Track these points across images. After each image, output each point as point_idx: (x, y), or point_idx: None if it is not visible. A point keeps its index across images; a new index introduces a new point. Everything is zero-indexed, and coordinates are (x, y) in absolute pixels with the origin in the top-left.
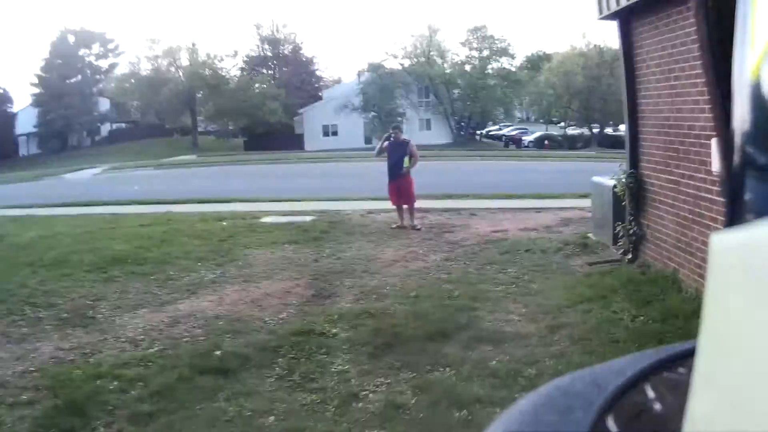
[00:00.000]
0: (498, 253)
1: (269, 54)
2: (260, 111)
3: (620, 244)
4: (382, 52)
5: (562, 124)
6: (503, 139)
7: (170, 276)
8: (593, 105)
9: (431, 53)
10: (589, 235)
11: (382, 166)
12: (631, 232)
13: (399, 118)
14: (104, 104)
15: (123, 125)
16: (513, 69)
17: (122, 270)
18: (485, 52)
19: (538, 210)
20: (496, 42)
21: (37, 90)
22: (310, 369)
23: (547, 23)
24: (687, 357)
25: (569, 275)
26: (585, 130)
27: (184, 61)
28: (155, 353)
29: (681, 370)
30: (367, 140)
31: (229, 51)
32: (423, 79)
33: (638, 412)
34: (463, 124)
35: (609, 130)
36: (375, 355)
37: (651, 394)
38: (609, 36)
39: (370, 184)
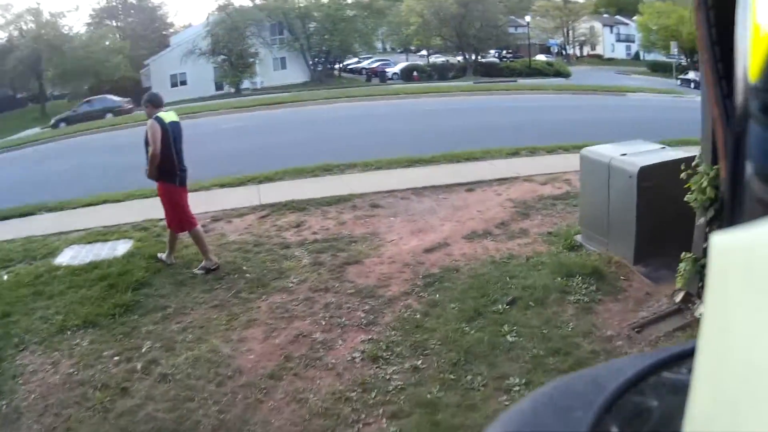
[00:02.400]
0: (461, 316)
1: (115, 3)
2: (104, 67)
3: (680, 283)
4: None
5: (424, 53)
6: (364, 73)
7: None
8: (466, 31)
9: None
10: (578, 238)
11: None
12: None
13: (251, 59)
14: None
15: None
16: None
17: None
18: None
19: (469, 187)
20: None
21: None
22: None
23: None
24: (687, 357)
25: None
26: (449, 59)
27: (31, 24)
28: None
29: (681, 370)
30: (218, 86)
31: (71, 5)
32: (276, 15)
33: (638, 412)
34: (320, 59)
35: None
36: None
37: (651, 394)
38: None
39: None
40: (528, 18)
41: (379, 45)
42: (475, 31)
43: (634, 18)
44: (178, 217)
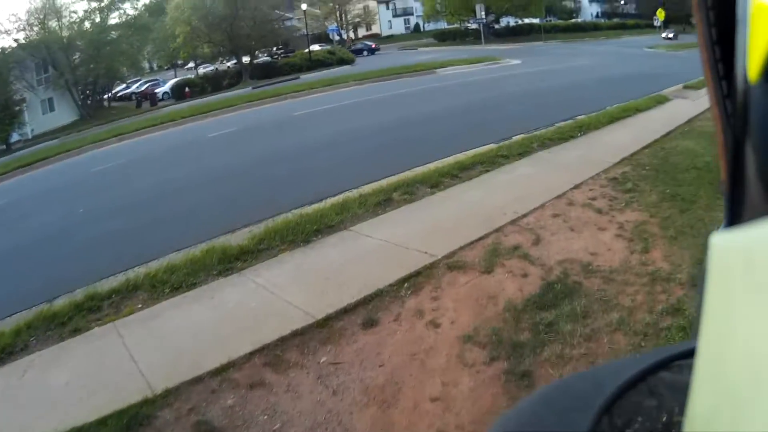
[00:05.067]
0: None
1: None
2: None
3: None
4: None
5: (191, 65)
6: (134, 98)
7: None
8: (238, 32)
9: (47, 17)
10: None
11: None
12: None
13: (17, 107)
14: None
15: None
16: (137, 13)
17: None
18: (106, 1)
19: (366, 318)
20: None
21: None
22: None
23: None
24: (687, 357)
25: None
26: (218, 66)
27: None
28: None
29: (681, 370)
30: None
31: None
32: (40, 52)
33: (638, 413)
34: (88, 92)
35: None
36: None
37: (651, 394)
38: None
39: None
40: (304, 6)
41: (146, 65)
42: (248, 30)
43: None
44: None
